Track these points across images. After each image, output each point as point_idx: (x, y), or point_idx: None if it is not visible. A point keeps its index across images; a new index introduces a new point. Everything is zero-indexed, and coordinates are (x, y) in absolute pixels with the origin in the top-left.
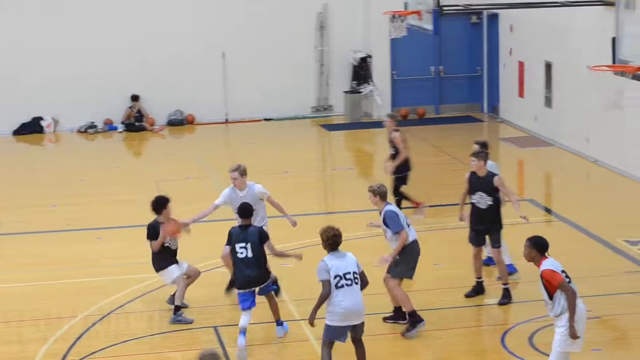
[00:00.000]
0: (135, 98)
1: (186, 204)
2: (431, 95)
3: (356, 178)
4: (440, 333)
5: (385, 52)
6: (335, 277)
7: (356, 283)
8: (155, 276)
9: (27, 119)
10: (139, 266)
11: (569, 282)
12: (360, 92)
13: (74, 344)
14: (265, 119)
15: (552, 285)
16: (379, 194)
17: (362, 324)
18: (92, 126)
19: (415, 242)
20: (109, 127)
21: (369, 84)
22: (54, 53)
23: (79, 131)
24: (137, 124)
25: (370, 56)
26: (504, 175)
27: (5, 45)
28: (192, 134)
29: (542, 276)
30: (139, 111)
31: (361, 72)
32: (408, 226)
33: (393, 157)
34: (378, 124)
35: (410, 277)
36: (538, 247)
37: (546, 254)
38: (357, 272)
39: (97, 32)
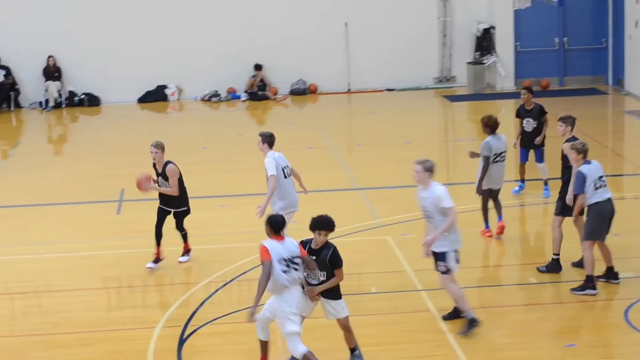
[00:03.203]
0: (258, 67)
1: (310, 172)
2: (555, 67)
3: (478, 149)
4: (561, 306)
5: (509, 23)
6: (494, 154)
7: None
8: None
9: (151, 87)
10: (262, 234)
11: (286, 271)
12: (483, 64)
13: (196, 310)
14: (388, 90)
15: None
16: (583, 152)
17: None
18: (216, 95)
19: (598, 204)
20: (232, 95)
21: (492, 55)
22: (179, 22)
23: (203, 99)
24: (260, 93)
25: (493, 27)
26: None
27: (131, 15)
28: (315, 103)
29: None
30: (262, 80)
31: (484, 43)
32: (597, 188)
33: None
34: (501, 95)
35: (601, 239)
36: (271, 225)
37: (282, 233)
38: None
39: (221, 1)
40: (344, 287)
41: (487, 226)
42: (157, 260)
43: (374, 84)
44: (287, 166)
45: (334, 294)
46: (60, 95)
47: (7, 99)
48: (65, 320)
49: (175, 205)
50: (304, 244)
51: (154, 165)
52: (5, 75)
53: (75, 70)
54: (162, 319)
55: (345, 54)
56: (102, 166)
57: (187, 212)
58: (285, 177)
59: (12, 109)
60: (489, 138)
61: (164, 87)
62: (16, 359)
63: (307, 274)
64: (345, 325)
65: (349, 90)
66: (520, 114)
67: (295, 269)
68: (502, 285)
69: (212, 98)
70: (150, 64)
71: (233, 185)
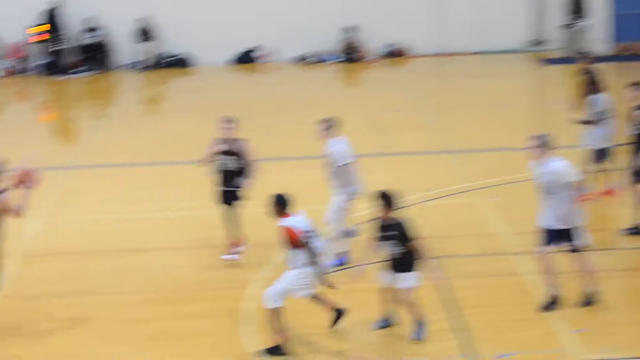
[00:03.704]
0: (350, 29)
1: (399, 134)
2: None
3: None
4: None
5: None
6: (605, 111)
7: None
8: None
9: (244, 48)
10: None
11: (310, 238)
12: (577, 26)
13: None
14: (479, 52)
15: (290, 241)
16: None
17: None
18: (308, 56)
19: None
20: (324, 57)
21: (586, 18)
22: None
23: (295, 61)
24: (351, 55)
25: None
26: None
27: None
28: (405, 66)
29: (281, 231)
30: (353, 42)
31: (579, 5)
32: None
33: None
34: (598, 59)
35: None
36: (279, 204)
37: (288, 210)
38: None
39: None
40: (434, 250)
41: (608, 187)
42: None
43: (466, 46)
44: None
45: (409, 266)
46: (154, 56)
47: (102, 59)
48: (160, 280)
49: (238, 181)
50: (376, 221)
51: (218, 141)
52: (100, 36)
53: (169, 31)
54: (255, 279)
55: (437, 16)
56: (195, 126)
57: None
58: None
59: (106, 69)
60: (598, 95)
61: (256, 48)
62: (123, 315)
63: (390, 249)
64: (404, 298)
65: (440, 53)
66: None
67: (314, 238)
68: (605, 250)
69: (305, 60)
70: (243, 25)
71: (314, 146)
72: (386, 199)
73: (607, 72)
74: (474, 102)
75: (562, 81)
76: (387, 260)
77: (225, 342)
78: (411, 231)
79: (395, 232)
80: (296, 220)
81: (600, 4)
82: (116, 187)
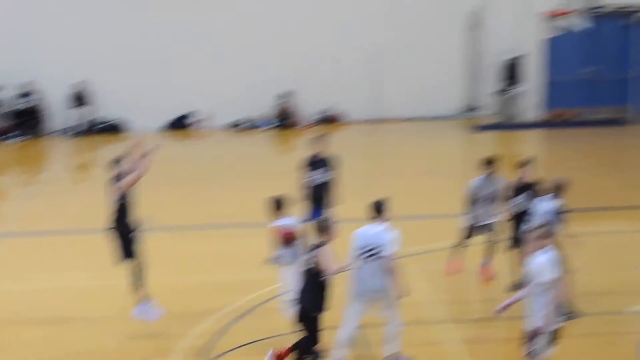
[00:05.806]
0: (285, 95)
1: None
2: (585, 97)
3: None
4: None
5: (538, 53)
6: None
7: None
8: None
9: (178, 114)
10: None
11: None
12: (510, 93)
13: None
14: (413, 119)
15: (284, 239)
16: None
17: None
18: (242, 122)
19: None
20: (259, 123)
21: (519, 85)
22: (204, 51)
23: (229, 127)
24: (286, 121)
25: (521, 56)
26: None
27: (155, 45)
28: (339, 132)
29: (274, 231)
30: (289, 108)
31: (512, 72)
32: None
33: None
34: (530, 126)
35: None
36: (273, 205)
37: (281, 212)
38: None
39: (246, 31)
40: None
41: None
42: None
43: (400, 112)
44: None
45: None
46: (87, 121)
47: (35, 125)
48: (82, 352)
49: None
50: None
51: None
52: (33, 101)
53: (103, 96)
54: (176, 348)
55: (371, 82)
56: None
57: None
58: None
59: (39, 135)
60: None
61: (190, 114)
62: None
63: None
64: None
65: (375, 119)
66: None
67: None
68: None
69: (239, 125)
70: (177, 91)
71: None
72: None
73: (538, 138)
74: (404, 168)
75: (496, 147)
76: None
77: None
78: None
79: None
80: (287, 221)
81: (533, 71)
82: (41, 256)
